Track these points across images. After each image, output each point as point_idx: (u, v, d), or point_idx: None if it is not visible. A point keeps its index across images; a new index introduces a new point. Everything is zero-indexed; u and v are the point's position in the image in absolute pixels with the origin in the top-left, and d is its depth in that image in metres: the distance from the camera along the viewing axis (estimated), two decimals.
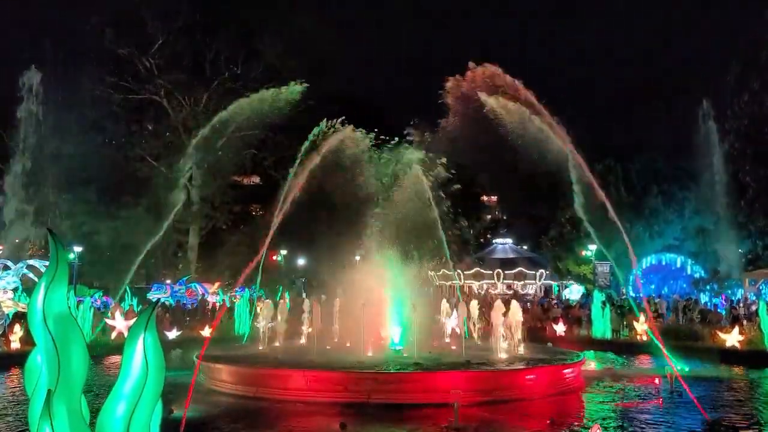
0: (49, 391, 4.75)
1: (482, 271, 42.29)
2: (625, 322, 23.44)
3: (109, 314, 23.40)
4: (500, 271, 42.37)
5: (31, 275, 23.51)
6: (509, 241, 50.87)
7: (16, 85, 38.54)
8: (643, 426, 9.87)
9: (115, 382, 5.10)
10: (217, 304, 31.86)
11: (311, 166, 17.59)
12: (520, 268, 42.69)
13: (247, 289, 31.45)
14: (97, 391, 11.45)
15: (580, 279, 46.91)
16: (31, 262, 24.16)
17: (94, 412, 5.20)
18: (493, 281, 42.73)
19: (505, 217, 73.44)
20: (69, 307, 5.32)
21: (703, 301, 31.89)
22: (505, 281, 43.06)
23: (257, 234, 44.49)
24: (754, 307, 24.55)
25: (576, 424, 10.19)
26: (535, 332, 22.38)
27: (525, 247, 53.73)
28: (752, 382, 15.07)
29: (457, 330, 18.17)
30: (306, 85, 20.42)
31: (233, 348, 17.66)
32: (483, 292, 38.76)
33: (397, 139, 21.22)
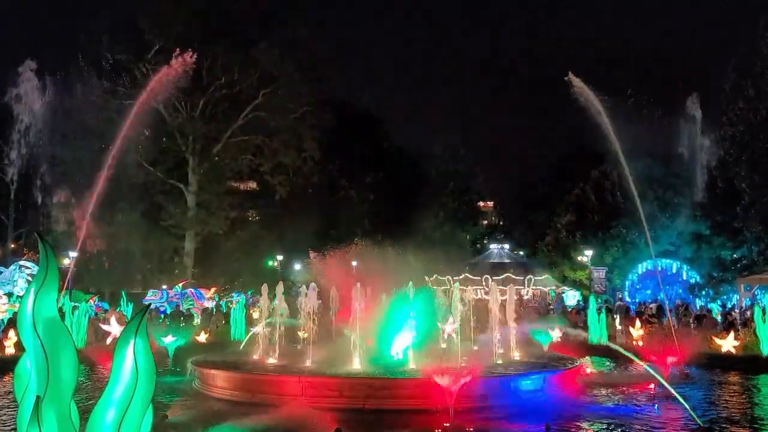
0: (37, 397, 4.71)
1: (471, 276, 41.23)
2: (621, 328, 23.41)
3: (104, 318, 23.31)
4: (489, 276, 41.21)
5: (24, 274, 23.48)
6: (506, 246, 50.35)
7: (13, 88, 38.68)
8: (638, 431, 9.85)
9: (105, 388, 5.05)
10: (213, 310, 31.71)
11: None
12: (507, 274, 41.33)
13: (242, 295, 31.35)
14: (90, 397, 11.38)
15: (577, 284, 46.78)
16: (22, 262, 24.11)
17: (85, 419, 5.16)
18: (482, 286, 41.73)
19: (501, 223, 73.52)
20: (63, 313, 5.29)
21: (698, 306, 31.81)
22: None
23: (253, 240, 44.57)
24: (749, 313, 24.53)
25: (572, 429, 10.16)
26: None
27: (521, 253, 53.41)
28: (747, 387, 15.07)
29: (454, 335, 18.09)
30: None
31: (229, 353, 17.57)
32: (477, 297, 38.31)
33: None
